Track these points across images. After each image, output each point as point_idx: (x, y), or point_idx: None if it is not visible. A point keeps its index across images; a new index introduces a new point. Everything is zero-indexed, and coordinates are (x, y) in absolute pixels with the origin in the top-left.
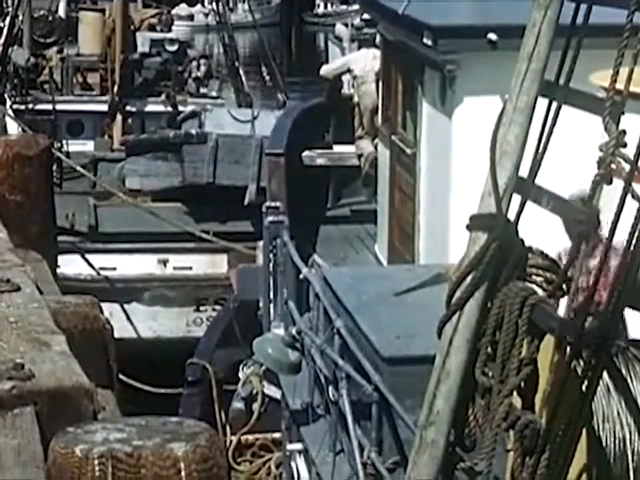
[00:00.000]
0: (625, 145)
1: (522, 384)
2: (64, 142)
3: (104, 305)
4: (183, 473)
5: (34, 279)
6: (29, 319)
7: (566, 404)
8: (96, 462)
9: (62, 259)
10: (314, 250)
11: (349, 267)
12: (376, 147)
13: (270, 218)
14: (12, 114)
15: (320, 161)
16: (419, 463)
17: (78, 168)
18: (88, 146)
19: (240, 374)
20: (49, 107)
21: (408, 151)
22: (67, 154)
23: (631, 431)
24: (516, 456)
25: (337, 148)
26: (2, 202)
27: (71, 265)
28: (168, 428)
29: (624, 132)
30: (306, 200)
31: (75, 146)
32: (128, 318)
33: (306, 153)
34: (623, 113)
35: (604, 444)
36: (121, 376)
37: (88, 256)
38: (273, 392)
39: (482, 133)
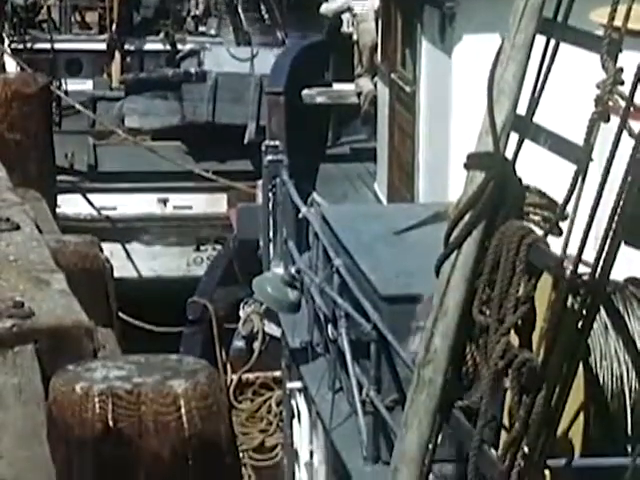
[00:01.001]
0: (622, 83)
1: (519, 323)
2: (63, 81)
3: (104, 244)
4: (183, 410)
5: (34, 218)
6: (29, 257)
7: (563, 342)
8: (96, 399)
9: (62, 198)
10: (314, 189)
11: (348, 205)
12: (375, 85)
13: (269, 157)
14: (10, 53)
15: (320, 99)
16: (417, 401)
17: (77, 105)
18: (87, 85)
19: (240, 313)
20: (47, 46)
21: (407, 89)
22: (66, 93)
23: (628, 368)
24: (513, 394)
25: (337, 86)
26: (1, 141)
27: (71, 205)
28: (168, 365)
29: (621, 70)
30: (306, 138)
31: (74, 85)
32: (128, 257)
33: (306, 91)
34: (621, 50)
35: (601, 381)
36: (122, 315)
37: (88, 195)
38: (273, 330)
39: (481, 71)
